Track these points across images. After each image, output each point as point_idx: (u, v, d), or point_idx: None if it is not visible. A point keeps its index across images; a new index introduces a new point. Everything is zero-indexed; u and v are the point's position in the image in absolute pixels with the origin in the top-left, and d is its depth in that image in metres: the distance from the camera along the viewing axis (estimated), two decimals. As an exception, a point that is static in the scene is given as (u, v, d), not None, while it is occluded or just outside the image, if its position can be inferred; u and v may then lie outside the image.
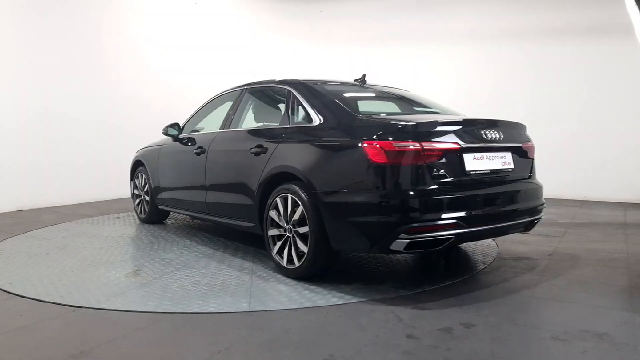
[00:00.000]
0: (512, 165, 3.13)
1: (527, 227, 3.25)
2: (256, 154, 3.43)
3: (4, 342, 2.20)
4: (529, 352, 2.10)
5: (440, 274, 3.28)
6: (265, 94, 4.02)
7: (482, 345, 2.17)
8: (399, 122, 2.82)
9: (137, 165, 5.34)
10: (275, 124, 3.71)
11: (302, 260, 3.04)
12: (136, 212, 5.38)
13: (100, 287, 3.00)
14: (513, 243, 4.24)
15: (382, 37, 8.98)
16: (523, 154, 3.27)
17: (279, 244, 3.22)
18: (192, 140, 4.33)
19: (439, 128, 2.90)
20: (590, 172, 7.42)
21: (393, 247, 2.64)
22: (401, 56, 8.81)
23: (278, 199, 3.19)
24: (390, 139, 2.68)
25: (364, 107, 3.50)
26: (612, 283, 3.09)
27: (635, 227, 5.07)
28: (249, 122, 4.04)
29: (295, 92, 3.47)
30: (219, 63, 8.65)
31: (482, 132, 2.97)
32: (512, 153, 3.16)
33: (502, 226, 3.02)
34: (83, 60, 6.79)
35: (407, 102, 3.87)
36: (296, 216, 3.05)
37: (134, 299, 2.77)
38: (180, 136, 4.54)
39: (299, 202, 3.01)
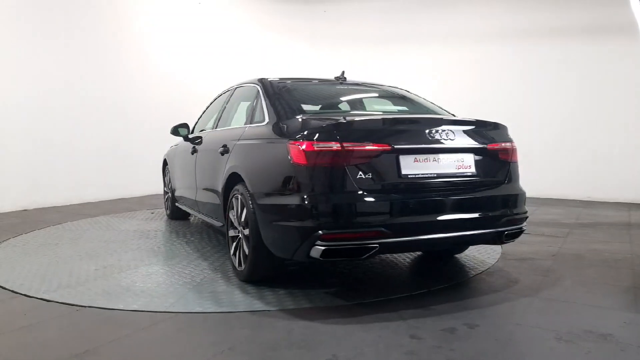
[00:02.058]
0: (472, 169, 2.76)
1: (498, 239, 2.84)
2: (222, 153, 3.45)
3: (9, 341, 2.21)
4: (532, 353, 2.09)
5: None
6: (245, 93, 3.88)
7: (486, 345, 2.16)
8: (323, 122, 2.63)
9: (165, 164, 5.63)
10: (242, 124, 3.63)
11: (245, 263, 2.98)
12: (165, 209, 5.75)
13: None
14: (517, 244, 4.22)
15: (385, 37, 8.97)
16: (492, 157, 2.87)
17: (234, 245, 3.16)
18: (193, 140, 4.36)
19: (367, 127, 2.66)
20: (594, 172, 7.40)
21: (312, 254, 2.45)
22: (404, 56, 8.80)
23: (233, 200, 3.15)
24: (311, 139, 2.50)
25: (326, 105, 3.41)
26: (616, 284, 3.08)
27: (639, 228, 5.05)
28: (232, 121, 4.02)
29: (260, 91, 3.35)
30: (223, 63, 8.67)
31: (428, 132, 2.66)
32: (475, 155, 2.80)
33: (447, 237, 2.67)
34: (87, 60, 6.81)
35: (382, 100, 3.72)
36: (242, 218, 2.98)
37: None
38: (190, 136, 4.57)
39: (244, 204, 2.95)
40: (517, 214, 2.90)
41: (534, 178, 7.75)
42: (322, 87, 3.71)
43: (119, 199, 7.16)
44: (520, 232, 2.93)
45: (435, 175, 2.66)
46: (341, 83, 3.68)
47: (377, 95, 3.81)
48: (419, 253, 3.79)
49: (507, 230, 2.81)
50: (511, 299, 2.78)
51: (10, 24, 5.93)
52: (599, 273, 3.32)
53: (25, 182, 6.10)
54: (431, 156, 2.66)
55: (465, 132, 2.82)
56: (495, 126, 2.99)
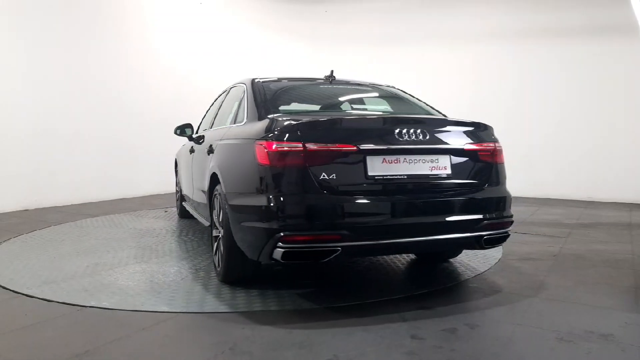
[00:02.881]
0: (447, 171, 2.66)
1: (477, 243, 2.72)
2: (208, 153, 3.49)
3: (10, 341, 2.21)
4: (533, 353, 2.09)
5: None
6: (236, 93, 3.90)
7: (486, 346, 2.16)
8: (288, 122, 2.55)
9: (176, 164, 5.71)
10: (229, 124, 3.62)
11: (221, 264, 2.99)
12: (176, 208, 5.81)
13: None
14: (518, 244, 4.23)
15: (386, 37, 8.97)
16: (471, 158, 2.77)
17: (215, 245, 3.16)
18: (195, 139, 4.38)
19: (333, 127, 2.60)
20: (595, 172, 7.39)
21: (274, 256, 2.42)
22: (405, 56, 8.80)
23: (215, 200, 3.16)
24: (274, 139, 2.47)
25: (305, 105, 3.37)
26: (617, 284, 3.08)
27: (640, 228, 5.05)
28: (225, 121, 3.99)
29: (246, 91, 3.34)
30: (225, 62, 8.68)
31: (400, 132, 2.57)
32: (452, 156, 2.69)
33: (417, 241, 2.60)
34: (90, 60, 6.82)
35: (369, 100, 3.67)
36: (220, 217, 2.97)
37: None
38: (194, 135, 4.58)
39: (221, 204, 2.94)
40: (498, 217, 2.76)
41: (535, 178, 7.77)
42: (308, 87, 3.68)
43: (121, 199, 7.16)
44: (503, 237, 2.81)
45: (405, 176, 2.57)
46: (330, 82, 3.63)
47: (363, 94, 3.76)
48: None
49: (486, 235, 2.69)
50: (512, 299, 2.78)
51: (14, 24, 5.94)
52: (600, 273, 3.32)
53: (26, 182, 6.10)
54: (401, 157, 2.57)
55: (442, 132, 2.74)
56: (477, 126, 2.88)
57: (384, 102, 3.66)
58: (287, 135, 2.46)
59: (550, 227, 5.07)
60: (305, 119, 2.63)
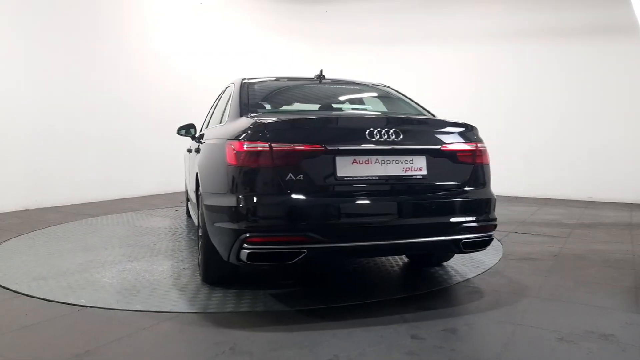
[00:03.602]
0: (423, 172, 2.57)
1: (455, 247, 2.63)
2: (196, 153, 3.52)
3: (10, 341, 2.21)
4: (534, 353, 2.09)
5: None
6: (228, 93, 3.89)
7: (487, 346, 2.16)
8: (257, 122, 2.51)
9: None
10: (216, 124, 3.60)
11: (201, 264, 3.00)
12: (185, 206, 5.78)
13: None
14: (518, 244, 4.23)
15: (386, 37, 8.97)
16: (450, 159, 2.67)
17: (199, 245, 3.18)
18: (197, 139, 4.38)
19: (301, 127, 2.55)
20: (595, 172, 7.39)
21: (241, 257, 2.38)
22: (405, 56, 8.79)
23: (199, 200, 3.16)
24: (242, 139, 2.44)
25: (286, 105, 3.35)
26: (618, 284, 3.08)
27: (641, 228, 5.04)
28: (216, 121, 4.00)
29: (233, 91, 3.33)
30: (225, 62, 8.68)
31: (372, 132, 2.49)
32: (429, 157, 2.60)
33: (389, 244, 2.53)
34: (89, 61, 6.82)
35: (355, 98, 3.63)
36: (201, 218, 2.98)
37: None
38: (197, 135, 4.58)
39: (201, 204, 2.93)
40: (478, 221, 2.64)
41: (535, 178, 7.77)
42: (296, 87, 3.64)
43: (121, 199, 7.16)
44: (485, 241, 2.71)
45: (377, 177, 2.49)
46: (320, 82, 3.58)
47: (351, 94, 3.72)
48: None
49: (465, 239, 2.59)
50: (512, 299, 2.78)
51: (15, 24, 5.94)
52: (601, 273, 3.32)
53: (26, 182, 6.11)
54: (373, 158, 2.49)
55: (418, 132, 2.67)
56: (458, 126, 2.78)
57: (371, 101, 3.62)
58: (253, 135, 2.43)
59: (551, 227, 5.07)
60: (273, 118, 2.60)
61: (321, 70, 3.66)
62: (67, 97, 6.52)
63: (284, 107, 3.32)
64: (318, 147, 2.42)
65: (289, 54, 9.55)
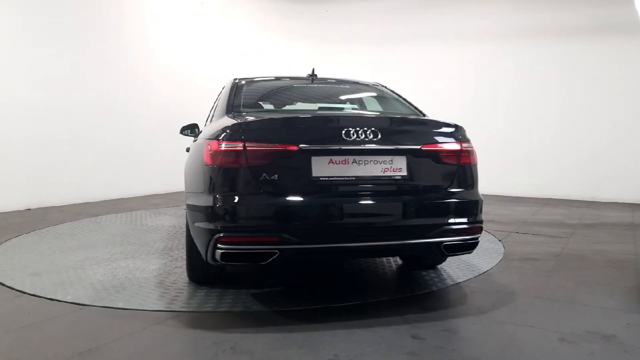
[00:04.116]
0: (403, 173, 2.50)
1: (437, 250, 2.56)
2: (188, 152, 3.52)
3: (13, 340, 2.22)
4: (535, 354, 2.09)
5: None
6: (222, 92, 3.89)
7: (488, 346, 2.16)
8: (232, 121, 2.50)
9: None
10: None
11: (187, 263, 3.02)
12: None
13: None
14: (520, 244, 4.22)
15: (388, 37, 8.96)
16: (433, 159, 2.59)
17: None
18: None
19: (277, 127, 2.55)
20: (598, 172, 7.37)
21: (216, 256, 2.38)
22: (406, 56, 8.79)
23: None
24: (218, 138, 2.43)
25: (268, 104, 3.31)
26: (620, 284, 3.07)
27: (643, 228, 5.03)
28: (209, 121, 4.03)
29: (224, 91, 3.34)
30: (226, 62, 8.68)
31: (349, 131, 2.44)
32: (409, 157, 2.53)
33: (365, 246, 2.49)
34: (91, 59, 6.83)
35: (341, 98, 3.60)
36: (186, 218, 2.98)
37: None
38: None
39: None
40: (461, 223, 2.56)
41: (537, 178, 7.76)
42: (286, 86, 3.62)
43: (122, 198, 7.17)
44: (470, 244, 2.62)
45: (353, 178, 2.44)
46: (312, 81, 3.55)
47: (341, 93, 3.68)
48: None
49: (446, 242, 2.52)
50: (514, 300, 2.78)
51: (16, 24, 5.95)
52: (603, 274, 3.31)
53: (28, 182, 6.12)
54: (350, 158, 2.43)
55: (399, 132, 2.62)
56: (442, 126, 2.72)
57: (360, 100, 3.57)
58: (228, 135, 2.41)
59: (552, 228, 5.06)
60: (249, 118, 2.61)
61: (313, 70, 3.65)
62: (69, 98, 6.54)
63: (270, 107, 3.29)
64: (292, 147, 2.39)
65: (290, 54, 9.55)
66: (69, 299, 2.74)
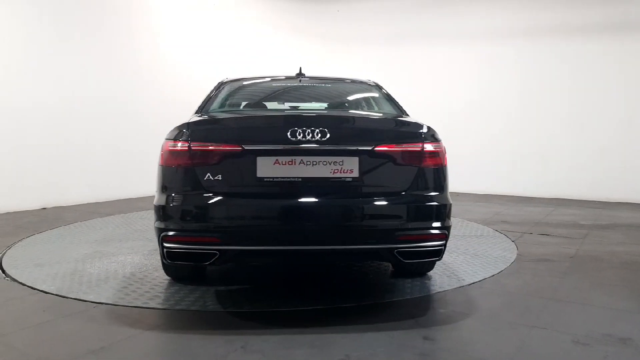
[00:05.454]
0: (354, 174, 2.39)
1: (390, 257, 2.47)
2: None
3: (27, 337, 2.26)
4: (548, 356, 2.06)
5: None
6: None
7: (500, 348, 2.13)
8: (183, 122, 2.52)
9: None
10: None
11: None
12: None
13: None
14: (533, 245, 4.17)
15: (399, 36, 8.92)
16: (390, 160, 2.45)
17: None
18: None
19: (223, 127, 2.58)
20: (612, 172, 7.25)
21: (164, 255, 2.42)
22: (417, 55, 8.74)
23: None
24: (168, 138, 2.47)
25: (248, 104, 3.30)
26: (635, 286, 3.01)
27: (660, 230, 4.93)
28: None
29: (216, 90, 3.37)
30: (236, 63, 8.72)
31: (296, 131, 2.36)
32: (362, 158, 2.41)
33: (309, 250, 2.44)
34: (103, 61, 6.92)
35: (321, 97, 3.55)
36: None
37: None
38: None
39: None
40: (418, 228, 2.43)
41: (550, 178, 7.65)
42: (267, 86, 3.61)
43: (135, 197, 7.26)
44: (431, 251, 2.47)
45: (300, 179, 2.36)
46: (300, 80, 3.51)
47: (318, 92, 3.61)
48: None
49: (400, 248, 2.39)
50: (527, 301, 2.74)
51: (28, 27, 6.06)
52: (618, 275, 3.26)
53: (44, 183, 6.23)
54: (297, 158, 2.36)
55: (351, 131, 2.52)
56: (402, 125, 2.63)
57: (341, 99, 3.53)
58: (176, 134, 2.45)
59: (567, 228, 4.99)
60: (200, 118, 2.64)
61: (300, 69, 3.65)
62: (82, 100, 6.63)
63: (239, 107, 3.28)
64: (236, 147, 2.37)
65: (301, 54, 9.55)
66: (52, 290, 2.86)
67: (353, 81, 3.67)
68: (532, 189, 7.67)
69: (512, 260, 3.62)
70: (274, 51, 9.34)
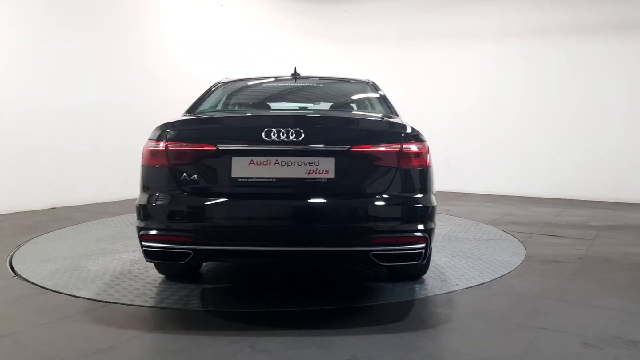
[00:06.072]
0: (330, 175, 2.36)
1: (366, 259, 2.40)
2: None
3: (37, 335, 2.28)
4: (557, 358, 2.04)
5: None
6: None
7: (509, 349, 2.12)
8: (163, 122, 2.56)
9: None
10: None
11: None
12: None
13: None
14: (542, 246, 4.14)
15: (406, 36, 8.89)
16: (368, 161, 2.41)
17: None
18: None
19: (198, 127, 2.63)
20: (623, 173, 7.17)
21: (144, 253, 2.47)
22: (425, 55, 8.71)
23: None
24: (149, 139, 2.52)
25: (225, 104, 3.31)
26: (646, 288, 2.98)
27: (672, 231, 4.87)
28: None
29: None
30: (243, 63, 8.75)
31: (271, 131, 2.35)
32: (338, 159, 2.38)
33: (281, 251, 2.43)
34: (110, 62, 6.98)
35: (310, 98, 3.56)
36: None
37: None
38: None
39: None
40: (396, 231, 2.38)
41: (559, 178, 7.59)
42: (258, 87, 3.63)
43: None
44: (409, 254, 2.40)
45: (274, 179, 2.35)
46: (295, 80, 3.52)
47: (310, 92, 3.63)
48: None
49: (376, 250, 2.34)
50: (535, 302, 2.72)
51: (38, 32, 6.13)
52: (628, 277, 3.22)
53: (53, 183, 6.29)
54: (273, 158, 2.36)
55: (327, 131, 2.48)
56: (380, 125, 2.62)
57: (333, 99, 3.51)
58: (154, 134, 2.50)
59: (576, 229, 4.94)
60: (179, 118, 2.69)
61: (295, 69, 3.64)
62: (91, 103, 6.70)
63: (225, 107, 3.30)
64: (210, 147, 2.39)
65: (308, 54, 9.55)
66: (49, 285, 2.92)
67: (349, 81, 3.65)
68: (541, 190, 7.61)
69: (521, 261, 3.60)
70: (279, 51, 9.36)
